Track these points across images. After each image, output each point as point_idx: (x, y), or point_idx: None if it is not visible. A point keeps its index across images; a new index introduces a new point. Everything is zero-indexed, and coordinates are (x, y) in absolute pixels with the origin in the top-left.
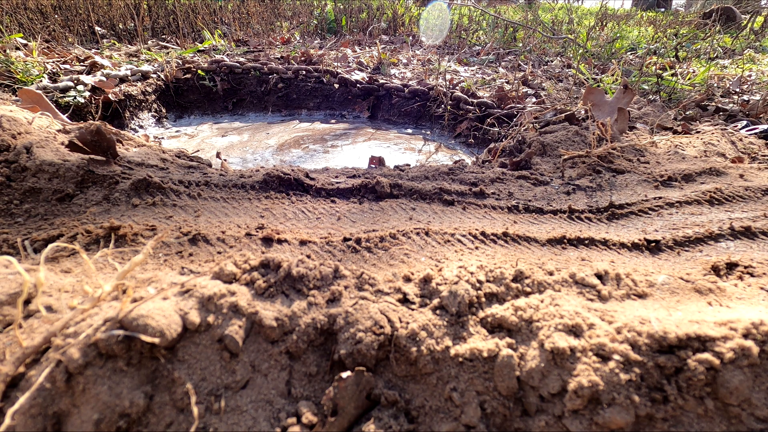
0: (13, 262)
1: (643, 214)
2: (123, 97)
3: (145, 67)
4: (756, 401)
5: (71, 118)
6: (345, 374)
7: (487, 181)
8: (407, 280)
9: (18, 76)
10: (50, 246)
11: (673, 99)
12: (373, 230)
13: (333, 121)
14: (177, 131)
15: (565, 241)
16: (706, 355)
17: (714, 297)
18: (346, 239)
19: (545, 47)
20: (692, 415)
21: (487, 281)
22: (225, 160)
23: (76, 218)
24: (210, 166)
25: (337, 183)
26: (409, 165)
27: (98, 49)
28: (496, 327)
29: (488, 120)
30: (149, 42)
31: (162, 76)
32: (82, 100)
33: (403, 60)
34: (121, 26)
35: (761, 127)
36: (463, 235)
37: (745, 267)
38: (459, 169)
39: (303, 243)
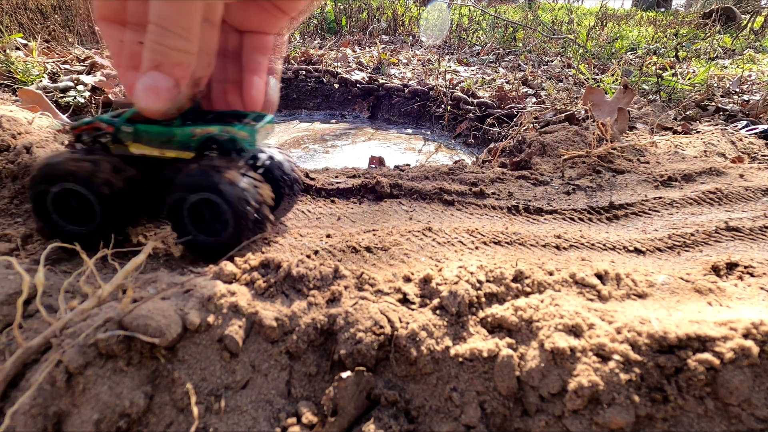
0: (13, 262)
1: (643, 214)
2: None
3: None
4: (756, 401)
5: (71, 118)
6: (345, 374)
7: (487, 181)
8: (407, 280)
9: (18, 76)
10: (50, 246)
11: (673, 99)
12: (373, 230)
13: (333, 121)
14: None
15: (565, 240)
16: (706, 355)
17: (714, 297)
18: (346, 239)
19: (545, 47)
20: (692, 415)
21: (487, 281)
22: None
23: None
24: None
25: (337, 183)
26: (409, 165)
27: (98, 49)
28: (496, 327)
29: (488, 120)
30: None
31: None
32: (82, 100)
33: (403, 60)
34: None
35: (761, 127)
36: (463, 235)
37: (746, 267)
38: (459, 169)
39: None
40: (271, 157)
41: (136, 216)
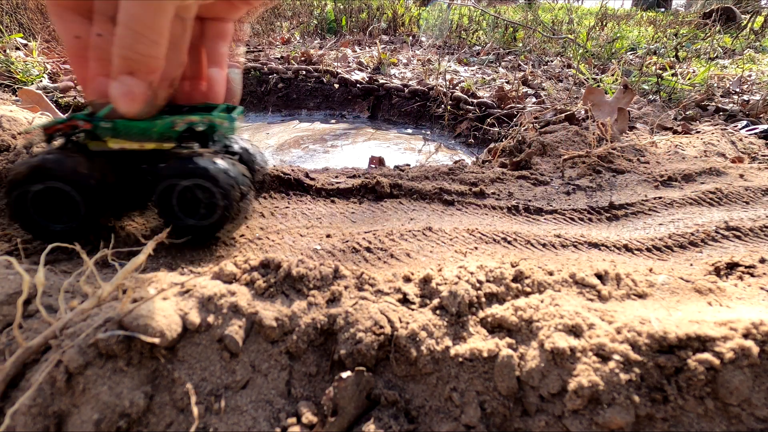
0: (13, 262)
1: (643, 214)
2: None
3: None
4: (756, 401)
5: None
6: (345, 374)
7: (487, 181)
8: (407, 280)
9: (18, 76)
10: (50, 246)
11: (673, 99)
12: (373, 230)
13: (333, 121)
14: None
15: (565, 240)
16: (706, 355)
17: (714, 297)
18: (346, 239)
19: (545, 47)
20: (692, 415)
21: (487, 281)
22: None
23: None
24: None
25: (337, 183)
26: (409, 165)
27: None
28: (496, 327)
29: (488, 120)
30: None
31: None
32: (82, 100)
33: (403, 60)
34: None
35: (761, 127)
36: (463, 235)
37: (746, 267)
38: (459, 169)
39: None
40: (245, 149)
41: (117, 210)
